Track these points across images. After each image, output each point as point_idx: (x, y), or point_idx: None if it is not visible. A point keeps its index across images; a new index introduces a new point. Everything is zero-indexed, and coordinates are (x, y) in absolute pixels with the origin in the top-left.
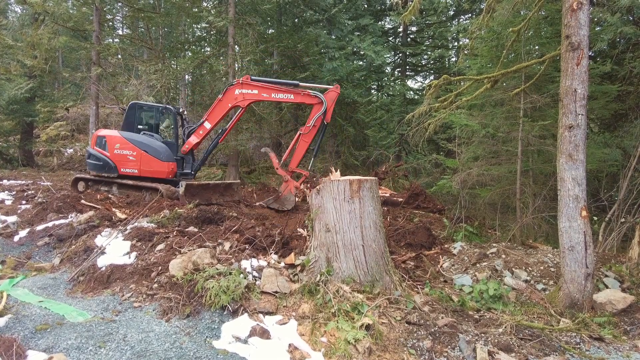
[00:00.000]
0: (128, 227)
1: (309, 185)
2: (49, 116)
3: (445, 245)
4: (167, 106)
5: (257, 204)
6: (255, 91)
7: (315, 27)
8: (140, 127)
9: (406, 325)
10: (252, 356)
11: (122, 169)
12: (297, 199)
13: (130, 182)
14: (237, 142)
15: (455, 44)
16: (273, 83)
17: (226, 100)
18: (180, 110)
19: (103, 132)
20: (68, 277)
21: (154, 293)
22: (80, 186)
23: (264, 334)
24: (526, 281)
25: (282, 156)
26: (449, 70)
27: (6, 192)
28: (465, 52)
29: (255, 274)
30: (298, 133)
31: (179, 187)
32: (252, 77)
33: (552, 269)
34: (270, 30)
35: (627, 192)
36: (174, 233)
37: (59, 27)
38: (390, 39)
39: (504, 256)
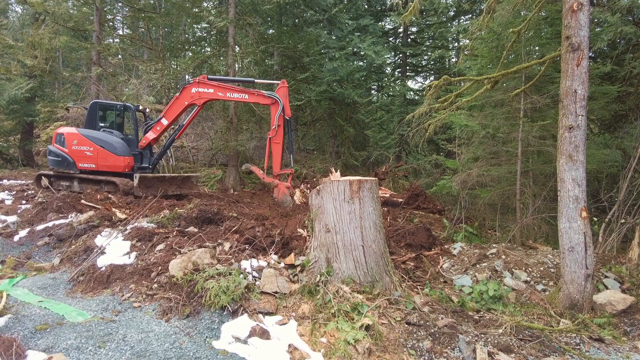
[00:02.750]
0: (128, 227)
1: (308, 185)
2: (49, 116)
3: (445, 246)
4: (126, 104)
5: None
6: (211, 90)
7: (316, 28)
8: (101, 124)
9: (406, 325)
10: (251, 356)
11: (80, 164)
12: (293, 197)
13: (90, 176)
14: (237, 142)
15: (456, 44)
16: (229, 82)
17: (183, 98)
18: (141, 108)
19: (62, 129)
20: (68, 277)
21: (154, 293)
22: (44, 182)
23: (264, 334)
24: (526, 282)
25: (263, 166)
26: (449, 71)
27: (6, 192)
28: (466, 52)
29: (255, 274)
30: (268, 138)
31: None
32: (209, 77)
33: (552, 270)
34: (270, 31)
35: (627, 193)
36: (174, 233)
37: (60, 27)
38: (391, 39)
39: (503, 257)
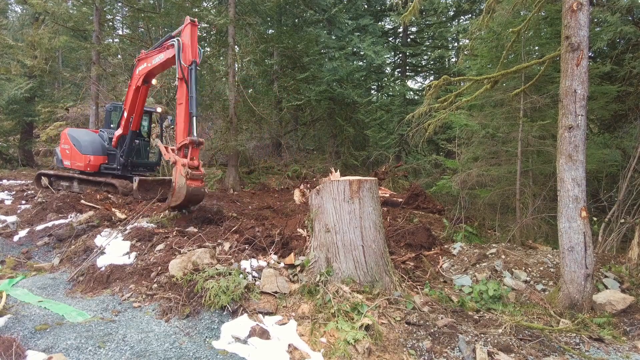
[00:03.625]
0: (128, 227)
1: (308, 185)
2: (49, 116)
3: (445, 246)
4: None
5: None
6: (144, 64)
7: (315, 27)
8: (112, 125)
9: (406, 325)
10: (251, 356)
11: (65, 162)
12: (200, 182)
13: (90, 177)
14: (236, 142)
15: (455, 44)
16: (155, 48)
17: (131, 83)
18: (159, 110)
19: (65, 130)
20: (67, 277)
21: (154, 293)
22: (44, 182)
23: (264, 334)
24: (526, 282)
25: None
26: (449, 71)
27: (6, 192)
28: (465, 52)
29: (254, 274)
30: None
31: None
32: (144, 51)
33: (552, 270)
34: (270, 31)
35: (626, 192)
36: (174, 233)
37: (59, 27)
38: (390, 39)
39: (503, 257)
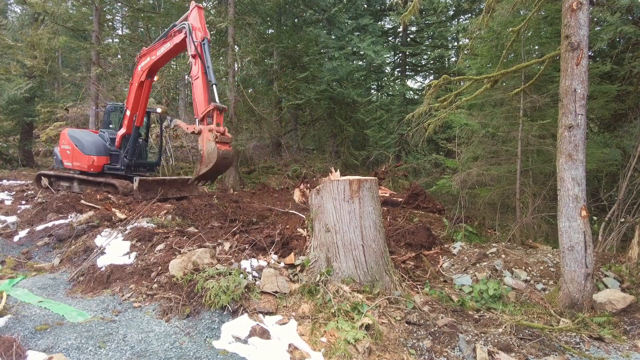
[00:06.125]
0: (128, 227)
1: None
2: (49, 116)
3: (445, 245)
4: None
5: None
6: (147, 59)
7: (315, 27)
8: (111, 126)
9: (406, 325)
10: (252, 356)
11: (65, 163)
12: (228, 146)
13: (90, 177)
14: (236, 142)
15: (455, 44)
16: (157, 41)
17: (133, 81)
18: (159, 110)
19: (63, 130)
20: (68, 277)
21: (154, 293)
22: (44, 182)
23: (264, 334)
24: (526, 281)
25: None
26: (449, 70)
27: (6, 192)
28: (465, 52)
29: (255, 274)
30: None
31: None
32: (145, 48)
33: (552, 269)
34: (270, 30)
35: (626, 192)
36: (174, 233)
37: (59, 27)
38: (390, 39)
39: (503, 256)
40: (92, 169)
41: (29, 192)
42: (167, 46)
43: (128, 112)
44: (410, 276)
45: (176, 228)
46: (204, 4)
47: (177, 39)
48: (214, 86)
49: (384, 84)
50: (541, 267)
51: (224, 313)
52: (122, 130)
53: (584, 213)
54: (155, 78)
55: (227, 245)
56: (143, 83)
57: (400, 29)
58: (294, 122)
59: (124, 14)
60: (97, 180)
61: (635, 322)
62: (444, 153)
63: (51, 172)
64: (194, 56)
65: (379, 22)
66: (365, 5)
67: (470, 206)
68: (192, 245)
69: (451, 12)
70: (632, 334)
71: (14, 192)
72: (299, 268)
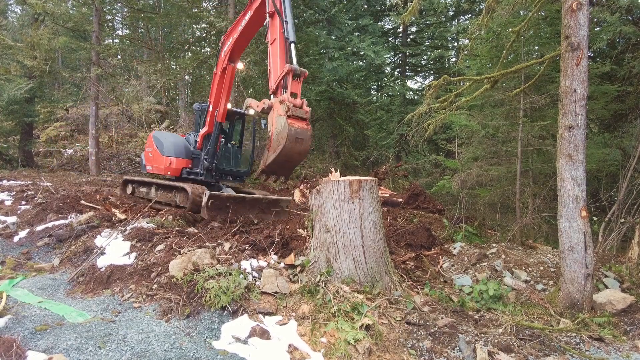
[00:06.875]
0: (128, 228)
1: (308, 185)
2: (49, 116)
3: (445, 246)
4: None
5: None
6: (230, 40)
7: (315, 27)
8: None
9: (406, 325)
10: (252, 356)
11: (147, 167)
12: (305, 123)
13: (167, 182)
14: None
15: (455, 44)
16: (237, 20)
17: (216, 70)
18: (251, 112)
19: (152, 132)
20: (68, 278)
21: (154, 293)
22: (128, 189)
23: (264, 334)
24: (526, 281)
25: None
26: (449, 71)
27: (6, 192)
28: (465, 52)
29: (255, 274)
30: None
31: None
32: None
33: (552, 269)
34: None
35: (626, 192)
36: (174, 233)
37: (59, 27)
38: (390, 39)
39: (503, 256)
40: (169, 172)
41: (29, 193)
42: (248, 15)
43: (211, 107)
44: (410, 276)
45: (176, 228)
46: (204, 4)
47: (255, 4)
48: (292, 45)
49: (384, 84)
50: (541, 268)
51: (224, 313)
52: (204, 129)
53: (584, 213)
54: (240, 66)
55: (227, 246)
56: (225, 70)
57: (400, 30)
58: None
59: (124, 15)
60: (175, 186)
61: (635, 322)
62: (444, 153)
63: (135, 178)
64: (271, 15)
65: (379, 23)
66: (365, 6)
67: (470, 206)
68: (192, 245)
69: (451, 13)
70: (632, 335)
71: (14, 193)
72: (299, 268)
